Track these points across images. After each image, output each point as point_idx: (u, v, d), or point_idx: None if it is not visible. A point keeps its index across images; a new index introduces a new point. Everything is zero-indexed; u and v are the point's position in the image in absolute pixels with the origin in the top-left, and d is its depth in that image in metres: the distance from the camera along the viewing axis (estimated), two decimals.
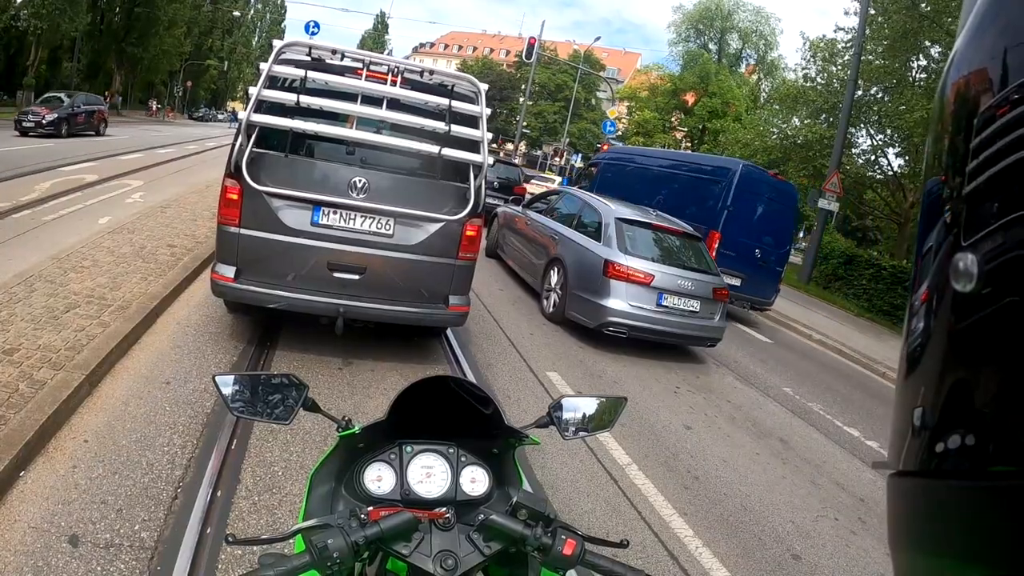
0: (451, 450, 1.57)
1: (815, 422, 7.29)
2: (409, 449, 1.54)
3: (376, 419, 1.52)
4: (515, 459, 1.68)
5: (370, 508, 1.29)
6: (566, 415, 1.73)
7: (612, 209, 8.49)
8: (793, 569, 4.10)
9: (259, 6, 77.04)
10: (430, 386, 1.58)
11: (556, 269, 8.58)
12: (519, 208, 11.19)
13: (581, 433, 1.75)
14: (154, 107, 51.69)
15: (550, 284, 8.67)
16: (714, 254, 10.16)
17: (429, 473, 1.53)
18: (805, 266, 21.35)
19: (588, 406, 1.77)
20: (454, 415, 1.65)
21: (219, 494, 3.41)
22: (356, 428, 1.51)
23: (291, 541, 1.37)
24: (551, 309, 8.54)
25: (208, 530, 3.10)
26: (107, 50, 42.88)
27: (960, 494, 0.55)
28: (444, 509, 1.35)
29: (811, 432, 6.92)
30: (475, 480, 1.56)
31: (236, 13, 64.64)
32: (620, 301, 7.56)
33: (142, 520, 3.09)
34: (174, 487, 3.39)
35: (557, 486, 4.30)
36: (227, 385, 1.50)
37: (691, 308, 7.96)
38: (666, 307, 7.78)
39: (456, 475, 1.54)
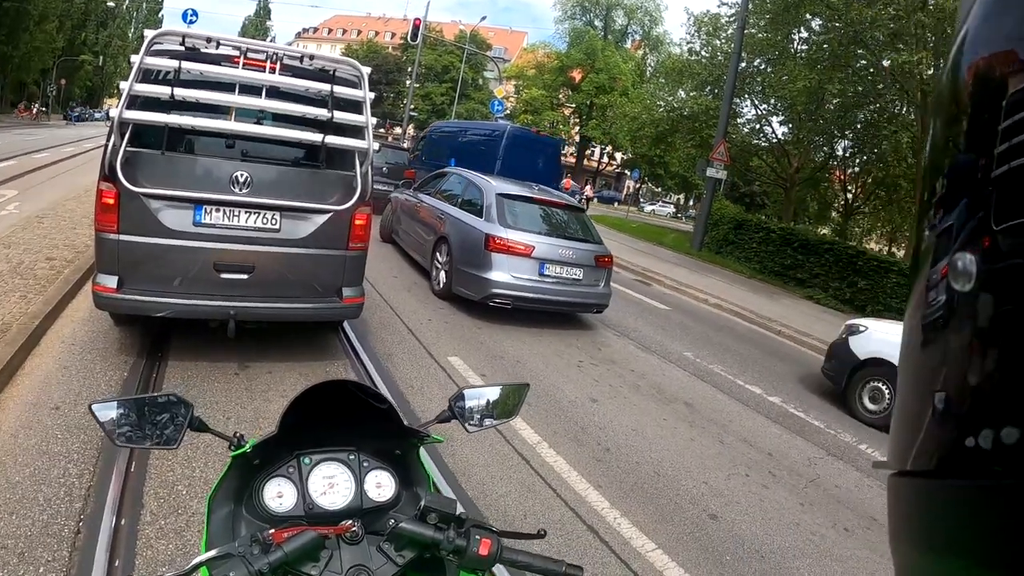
0: (352, 456, 1.51)
1: (718, 383, 7.57)
2: (307, 460, 1.47)
3: (268, 433, 1.44)
4: (420, 458, 1.64)
5: (272, 530, 1.23)
6: (469, 405, 1.70)
7: (494, 186, 8.72)
8: (711, 528, 4.26)
9: None
10: (322, 392, 1.51)
11: (443, 247, 8.81)
12: (411, 191, 11.30)
13: (487, 422, 1.72)
14: (32, 108, 48.45)
15: (438, 262, 8.88)
16: None
17: (331, 483, 1.47)
18: (696, 233, 22.04)
19: (490, 395, 1.73)
20: (351, 419, 1.58)
21: (123, 522, 3.22)
22: (247, 446, 1.43)
23: (196, 575, 1.31)
24: (439, 287, 8.73)
25: (116, 563, 2.93)
26: None
27: (967, 494, 0.53)
28: (350, 522, 1.30)
29: (715, 393, 7.19)
30: (380, 485, 1.51)
31: (111, 3, 60.68)
32: (502, 273, 7.82)
33: (46, 561, 2.89)
34: (75, 521, 3.18)
35: (470, 473, 4.30)
36: (106, 413, 1.38)
37: (574, 276, 8.27)
38: (548, 276, 8.08)
39: (360, 482, 1.49)
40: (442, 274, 8.69)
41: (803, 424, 6.83)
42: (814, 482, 5.41)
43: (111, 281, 4.70)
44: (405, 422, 1.58)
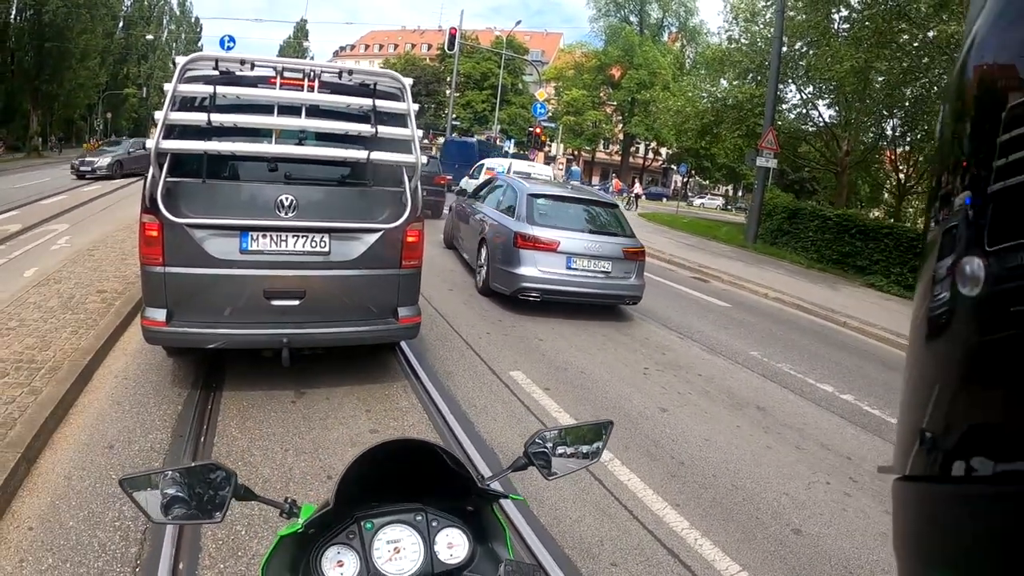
0: (419, 517, 1.36)
1: (788, 383, 7.26)
2: (370, 525, 1.32)
3: (323, 506, 1.28)
4: (495, 511, 1.45)
5: None
6: (546, 448, 1.54)
7: (527, 187, 9.34)
8: (796, 545, 3.99)
9: (172, 27, 74.43)
10: (382, 452, 1.35)
11: (484, 248, 9.43)
12: (466, 199, 12.00)
13: (571, 465, 1.57)
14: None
15: (480, 262, 9.52)
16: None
17: (398, 548, 1.32)
18: (750, 225, 21.52)
19: (570, 436, 1.57)
20: (416, 473, 1.42)
21: (181, 567, 3.10)
22: (299, 524, 1.26)
23: None
24: (480, 285, 9.39)
25: None
26: (21, 91, 40.88)
27: (971, 500, 0.53)
28: None
29: (786, 394, 6.88)
30: (452, 545, 1.36)
31: (149, 36, 62.52)
32: (531, 268, 8.36)
33: None
34: (132, 567, 3.07)
35: (542, 498, 4.08)
36: (139, 488, 1.20)
37: (603, 268, 8.65)
38: (576, 269, 8.51)
39: (430, 544, 1.34)
40: (483, 272, 9.29)
41: (879, 422, 6.48)
42: None
43: (160, 315, 4.63)
44: (479, 481, 1.40)
